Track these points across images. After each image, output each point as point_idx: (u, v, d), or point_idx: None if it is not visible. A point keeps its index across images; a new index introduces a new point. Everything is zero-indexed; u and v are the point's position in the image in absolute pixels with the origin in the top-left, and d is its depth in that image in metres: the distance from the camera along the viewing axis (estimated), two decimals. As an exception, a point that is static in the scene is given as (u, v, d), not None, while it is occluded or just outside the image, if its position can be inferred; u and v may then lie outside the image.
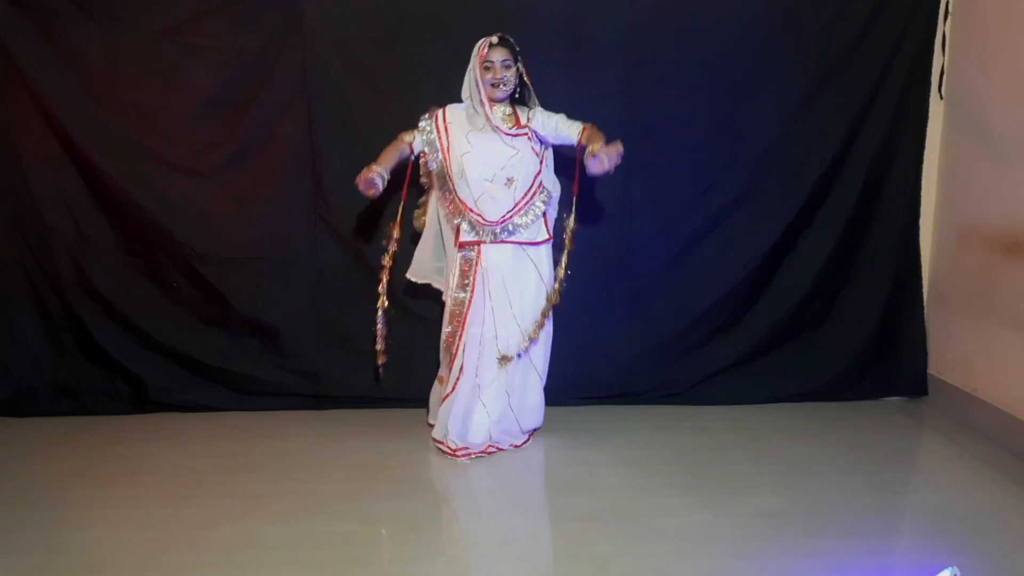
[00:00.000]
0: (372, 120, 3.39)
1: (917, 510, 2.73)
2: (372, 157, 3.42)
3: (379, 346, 3.07)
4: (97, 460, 3.03)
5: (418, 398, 3.56)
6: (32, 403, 3.48)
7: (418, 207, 3.16)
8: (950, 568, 1.99)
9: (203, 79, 3.34)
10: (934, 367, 3.62)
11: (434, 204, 3.12)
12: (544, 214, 3.01)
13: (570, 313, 3.21)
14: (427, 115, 3.01)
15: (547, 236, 3.03)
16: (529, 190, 2.94)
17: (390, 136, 3.40)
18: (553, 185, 3.08)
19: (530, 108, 3.01)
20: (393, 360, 3.57)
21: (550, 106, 3.03)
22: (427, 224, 3.15)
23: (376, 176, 2.76)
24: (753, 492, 2.71)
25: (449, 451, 3.01)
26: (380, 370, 3.16)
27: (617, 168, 2.73)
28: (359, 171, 3.41)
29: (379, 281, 3.00)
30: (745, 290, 3.59)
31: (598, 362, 3.54)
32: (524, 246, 2.97)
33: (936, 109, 3.54)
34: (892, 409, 3.58)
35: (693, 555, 2.32)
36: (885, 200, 3.58)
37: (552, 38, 3.32)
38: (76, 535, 2.46)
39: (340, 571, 2.24)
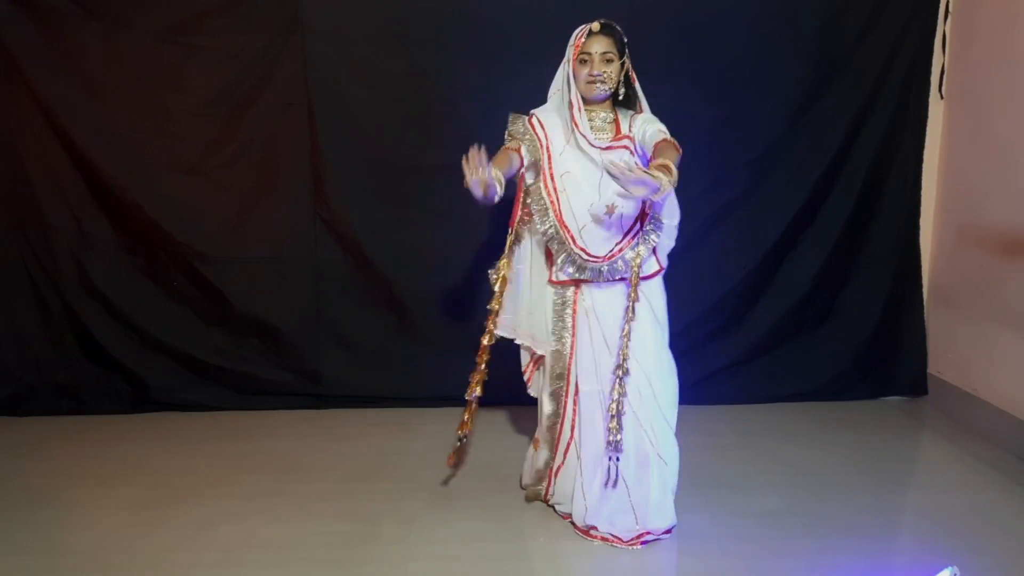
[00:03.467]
0: (372, 120, 3.39)
1: (917, 510, 2.74)
2: (372, 157, 3.45)
3: (465, 415, 2.53)
4: (97, 460, 3.03)
5: (418, 398, 3.56)
6: (32, 403, 3.48)
7: (503, 259, 2.51)
8: (950, 568, 1.99)
9: (203, 79, 3.35)
10: (934, 367, 3.62)
11: (518, 250, 2.53)
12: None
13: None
14: (512, 120, 2.44)
15: (658, 267, 2.44)
16: (637, 218, 2.35)
17: (390, 136, 3.42)
18: (670, 212, 2.41)
19: (634, 113, 2.44)
20: (394, 360, 3.59)
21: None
22: (510, 278, 2.52)
23: (493, 179, 2.15)
24: (753, 492, 2.72)
25: (623, 539, 2.39)
26: (453, 460, 2.67)
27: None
28: (359, 171, 3.45)
29: (485, 332, 2.46)
30: (745, 290, 3.59)
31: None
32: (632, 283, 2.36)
33: (936, 109, 3.54)
34: (892, 409, 3.58)
35: (693, 555, 2.32)
36: (885, 200, 3.58)
37: (552, 37, 3.30)
38: (76, 535, 2.46)
39: (340, 571, 2.24)
